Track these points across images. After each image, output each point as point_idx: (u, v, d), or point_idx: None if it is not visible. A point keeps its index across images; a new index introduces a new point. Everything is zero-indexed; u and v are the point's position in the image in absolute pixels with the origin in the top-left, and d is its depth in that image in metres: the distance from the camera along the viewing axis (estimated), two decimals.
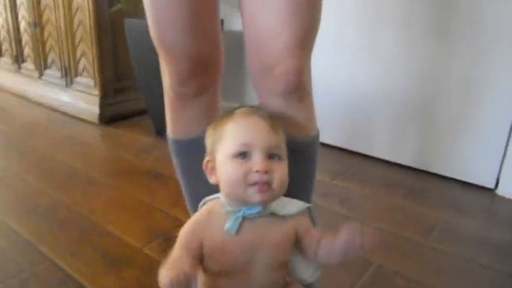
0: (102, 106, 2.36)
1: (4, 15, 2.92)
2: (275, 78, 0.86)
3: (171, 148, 1.03)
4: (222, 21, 2.20)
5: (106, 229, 1.37)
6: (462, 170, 1.75)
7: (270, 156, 0.73)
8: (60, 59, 2.56)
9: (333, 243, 0.76)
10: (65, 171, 1.79)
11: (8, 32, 2.95)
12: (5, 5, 2.87)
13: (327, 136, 2.02)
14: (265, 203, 0.74)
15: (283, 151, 0.76)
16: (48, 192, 1.60)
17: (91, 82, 2.38)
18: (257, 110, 0.77)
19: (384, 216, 1.49)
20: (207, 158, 0.78)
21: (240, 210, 0.73)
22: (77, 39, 2.39)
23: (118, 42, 2.34)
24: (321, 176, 1.71)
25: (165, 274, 0.68)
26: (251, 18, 0.85)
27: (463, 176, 1.75)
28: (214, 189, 0.79)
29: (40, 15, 2.61)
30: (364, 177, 1.79)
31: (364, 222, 1.44)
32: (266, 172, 0.71)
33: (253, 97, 0.92)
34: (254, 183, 0.71)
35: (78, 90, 2.49)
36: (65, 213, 1.46)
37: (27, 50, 2.86)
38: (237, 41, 1.86)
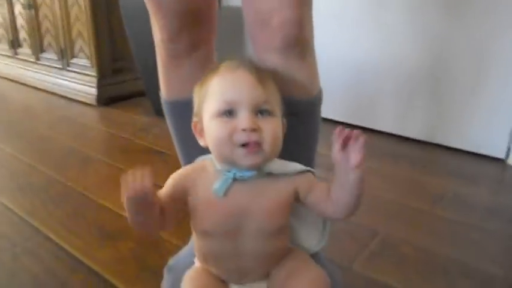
0: (99, 87, 2.31)
1: None
2: (272, 30, 0.80)
3: (165, 109, 0.98)
4: None
5: (101, 204, 1.32)
6: (471, 141, 1.68)
7: (259, 112, 0.66)
8: (56, 41, 2.51)
9: (341, 175, 0.67)
10: (60, 151, 1.74)
11: (4, 17, 2.90)
12: None
13: (329, 111, 1.96)
14: (256, 167, 0.68)
15: (274, 106, 0.69)
16: (43, 170, 1.56)
17: (88, 63, 2.33)
18: (244, 63, 0.70)
19: (390, 187, 1.43)
20: (194, 119, 0.73)
21: (230, 171, 0.68)
22: (72, 19, 2.33)
23: (114, 21, 2.29)
24: (324, 149, 1.64)
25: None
26: None
27: (473, 147, 1.69)
28: (209, 151, 0.74)
29: None
30: (368, 149, 1.71)
31: (369, 194, 1.39)
32: (254, 130, 0.64)
33: None
34: (242, 145, 0.65)
35: (75, 72, 2.44)
36: (59, 189, 1.41)
37: (22, 34, 2.81)
38: (236, 17, 1.80)
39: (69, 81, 2.48)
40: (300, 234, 0.86)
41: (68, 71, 2.49)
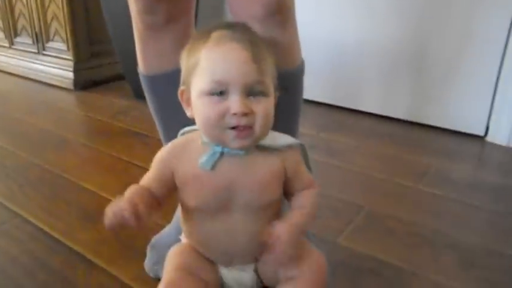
0: (76, 71, 2.25)
1: None
2: None
3: (144, 85, 0.96)
4: None
5: (81, 186, 1.29)
6: (452, 119, 1.70)
7: (251, 93, 0.63)
8: (30, 24, 2.43)
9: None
10: (36, 134, 1.69)
11: None
12: None
13: (312, 93, 1.95)
14: (245, 148, 0.66)
15: (268, 85, 0.66)
16: (19, 153, 1.51)
17: (64, 46, 2.27)
18: (237, 32, 0.65)
19: (374, 164, 1.43)
20: (181, 87, 0.69)
21: (218, 145, 0.66)
22: (47, 2, 2.26)
23: (90, 3, 2.22)
24: (307, 129, 1.64)
25: (112, 206, 0.64)
26: None
27: (454, 125, 1.70)
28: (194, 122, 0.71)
29: None
30: (352, 129, 1.73)
31: (353, 171, 1.39)
32: (245, 114, 0.62)
33: None
34: (232, 127, 0.62)
35: (51, 56, 2.37)
36: (36, 172, 1.37)
37: None
38: None
39: (45, 65, 2.41)
40: (285, 207, 0.86)
41: (44, 55, 2.42)
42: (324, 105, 1.98)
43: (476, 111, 1.64)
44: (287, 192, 0.75)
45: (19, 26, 2.53)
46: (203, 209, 0.70)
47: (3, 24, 2.63)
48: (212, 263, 0.75)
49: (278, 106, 0.76)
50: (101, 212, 1.12)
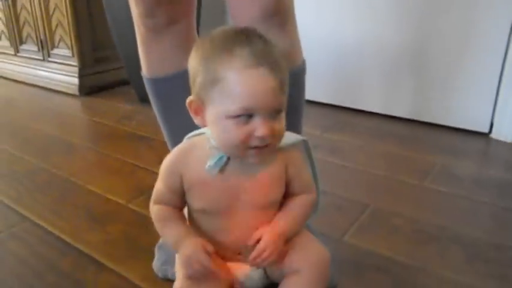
0: (81, 77, 2.27)
1: None
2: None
3: (148, 88, 0.97)
4: None
5: (88, 189, 1.30)
6: (456, 117, 1.70)
7: (273, 114, 0.63)
8: (35, 32, 2.45)
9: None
10: (43, 139, 1.71)
11: None
12: None
13: (315, 94, 1.96)
14: (262, 161, 0.69)
15: (285, 100, 0.66)
16: (26, 158, 1.53)
17: (68, 53, 2.29)
18: (259, 51, 0.62)
19: (378, 163, 1.44)
20: (191, 98, 0.67)
21: None
22: (51, 9, 2.28)
23: (94, 9, 2.24)
24: (311, 129, 1.65)
25: (181, 256, 0.71)
26: None
27: (458, 122, 1.70)
28: (198, 127, 0.72)
29: None
30: (355, 129, 1.74)
31: (357, 170, 1.39)
32: (268, 136, 0.63)
33: None
34: (254, 147, 0.64)
35: (56, 63, 2.39)
36: (44, 177, 1.39)
37: (0, 27, 2.74)
38: None
39: (50, 72, 2.43)
40: None
41: (49, 61, 2.44)
42: (327, 106, 1.99)
43: (480, 108, 1.64)
44: (286, 192, 0.76)
45: (24, 34, 2.56)
46: (209, 211, 0.72)
47: (8, 32, 2.66)
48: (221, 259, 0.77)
49: None
50: (108, 214, 1.15)
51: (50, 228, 1.10)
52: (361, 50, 1.85)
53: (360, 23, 1.82)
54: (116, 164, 1.46)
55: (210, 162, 0.68)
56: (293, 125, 0.91)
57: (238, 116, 0.61)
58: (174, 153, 0.73)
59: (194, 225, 0.76)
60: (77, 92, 2.27)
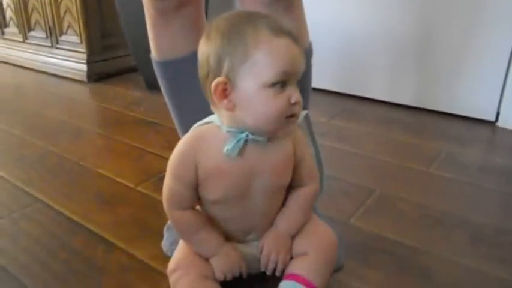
0: (89, 63, 2.29)
1: None
2: None
3: (157, 71, 0.98)
4: None
5: (98, 172, 1.32)
6: (463, 105, 1.70)
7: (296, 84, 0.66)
8: (44, 18, 2.47)
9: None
10: (52, 124, 1.73)
11: None
12: None
13: (323, 82, 1.97)
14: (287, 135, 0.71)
15: None
16: (36, 143, 1.55)
17: (77, 39, 2.30)
18: (283, 28, 0.64)
19: (384, 150, 1.45)
20: (219, 79, 0.64)
21: (243, 131, 0.67)
22: None
23: None
24: (318, 116, 1.66)
25: (218, 267, 0.74)
26: None
27: (464, 111, 1.71)
28: (210, 111, 0.72)
29: None
30: (362, 116, 1.75)
31: (364, 156, 1.40)
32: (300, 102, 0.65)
33: None
34: (290, 116, 0.65)
35: (64, 49, 2.41)
36: (54, 160, 1.41)
37: (9, 14, 2.76)
38: None
39: (58, 58, 2.45)
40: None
41: (57, 48, 2.46)
42: (334, 93, 1.99)
43: (487, 97, 1.65)
44: (292, 178, 0.77)
45: (32, 21, 2.58)
46: (223, 200, 0.72)
47: (16, 19, 2.68)
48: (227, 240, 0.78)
49: None
50: (118, 196, 1.17)
51: (61, 209, 1.12)
52: (366, 38, 1.85)
53: (365, 11, 1.82)
54: (125, 149, 1.48)
55: (228, 145, 0.66)
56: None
57: (275, 84, 0.62)
58: (185, 142, 0.71)
59: (206, 213, 0.77)
60: (85, 79, 2.29)
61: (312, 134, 0.86)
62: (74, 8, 2.23)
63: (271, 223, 0.78)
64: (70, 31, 2.33)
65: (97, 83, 2.29)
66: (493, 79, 1.62)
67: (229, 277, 0.75)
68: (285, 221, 0.77)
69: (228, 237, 0.78)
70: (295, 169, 0.76)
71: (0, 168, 1.36)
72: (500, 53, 1.58)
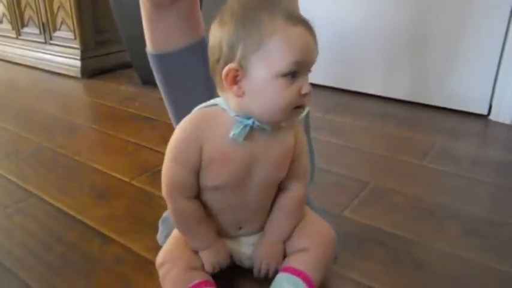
0: (83, 59, 2.28)
1: None
2: None
3: (152, 64, 0.98)
4: None
5: (92, 167, 1.32)
6: (455, 99, 1.72)
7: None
8: (37, 14, 2.46)
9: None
10: (47, 120, 1.72)
11: None
12: None
13: (317, 77, 1.97)
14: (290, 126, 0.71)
15: None
16: (31, 138, 1.54)
17: (71, 35, 2.30)
18: (298, 16, 0.64)
19: (378, 143, 1.46)
20: (231, 66, 0.63)
21: (249, 118, 0.66)
22: None
23: None
24: (313, 111, 1.65)
25: (206, 260, 0.76)
26: None
27: (457, 104, 1.72)
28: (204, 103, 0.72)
29: None
30: (356, 110, 1.76)
31: (358, 150, 1.41)
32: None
33: None
34: (297, 106, 0.64)
35: (58, 45, 2.40)
36: (48, 155, 1.41)
37: (2, 10, 2.74)
38: None
39: (52, 54, 2.44)
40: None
41: (51, 44, 2.45)
42: (329, 88, 2.00)
43: (479, 91, 1.66)
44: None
45: (26, 17, 2.56)
46: (222, 187, 0.72)
47: (10, 15, 2.66)
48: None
49: None
50: (111, 189, 1.17)
51: (56, 204, 1.12)
52: (361, 34, 1.86)
53: (360, 6, 1.82)
54: (119, 144, 1.48)
55: (235, 130, 0.65)
56: None
57: (288, 74, 0.61)
58: (190, 122, 0.69)
59: (202, 203, 0.76)
60: (79, 75, 2.29)
61: (308, 130, 0.86)
62: (68, 3, 2.22)
63: (260, 219, 0.79)
64: (64, 27, 2.32)
65: (91, 78, 2.28)
66: (484, 73, 1.63)
67: (217, 269, 0.76)
68: (275, 230, 0.79)
69: (219, 231, 0.79)
70: (290, 164, 0.76)
71: None
72: (492, 48, 1.59)
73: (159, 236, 0.96)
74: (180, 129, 0.70)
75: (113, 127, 1.62)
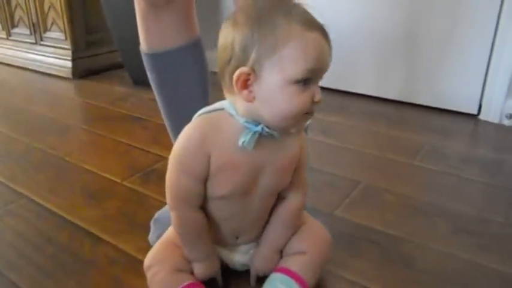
0: (74, 60, 2.27)
1: None
2: None
3: (146, 64, 0.98)
4: None
5: (83, 168, 1.31)
6: (446, 99, 1.73)
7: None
8: (28, 15, 2.44)
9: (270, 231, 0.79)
10: (37, 121, 1.71)
11: None
12: None
13: None
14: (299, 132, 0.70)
15: None
16: (21, 139, 1.53)
17: (61, 36, 2.28)
18: (315, 21, 0.63)
19: (369, 143, 1.46)
20: (244, 69, 0.60)
21: (258, 124, 0.63)
22: None
23: None
24: None
25: (197, 270, 0.75)
26: None
27: (447, 104, 1.73)
28: (198, 103, 0.71)
29: None
30: (347, 110, 1.76)
31: (349, 149, 1.42)
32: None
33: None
34: (307, 113, 0.63)
35: (48, 46, 2.39)
36: (39, 156, 1.40)
37: None
38: None
39: (42, 55, 2.42)
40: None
41: (41, 45, 2.43)
42: (321, 88, 2.00)
43: (469, 91, 1.67)
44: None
45: (16, 17, 2.54)
46: (229, 197, 0.70)
47: (0, 15, 2.64)
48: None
49: None
50: (104, 191, 1.17)
51: (46, 205, 1.11)
52: (353, 35, 1.86)
53: (353, 8, 1.83)
54: (111, 144, 1.48)
55: (244, 138, 0.63)
56: None
57: (301, 81, 0.59)
58: (196, 128, 0.67)
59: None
60: (70, 75, 2.27)
61: (306, 129, 0.86)
62: (58, 4, 2.21)
63: (257, 229, 0.79)
64: (54, 27, 2.31)
65: (82, 79, 2.27)
66: (474, 73, 1.65)
67: (207, 279, 0.77)
68: (272, 241, 0.79)
69: (217, 241, 0.79)
70: (293, 173, 0.75)
71: None
72: (481, 49, 1.61)
73: (151, 237, 0.95)
74: (186, 137, 0.67)
75: (104, 128, 1.62)
